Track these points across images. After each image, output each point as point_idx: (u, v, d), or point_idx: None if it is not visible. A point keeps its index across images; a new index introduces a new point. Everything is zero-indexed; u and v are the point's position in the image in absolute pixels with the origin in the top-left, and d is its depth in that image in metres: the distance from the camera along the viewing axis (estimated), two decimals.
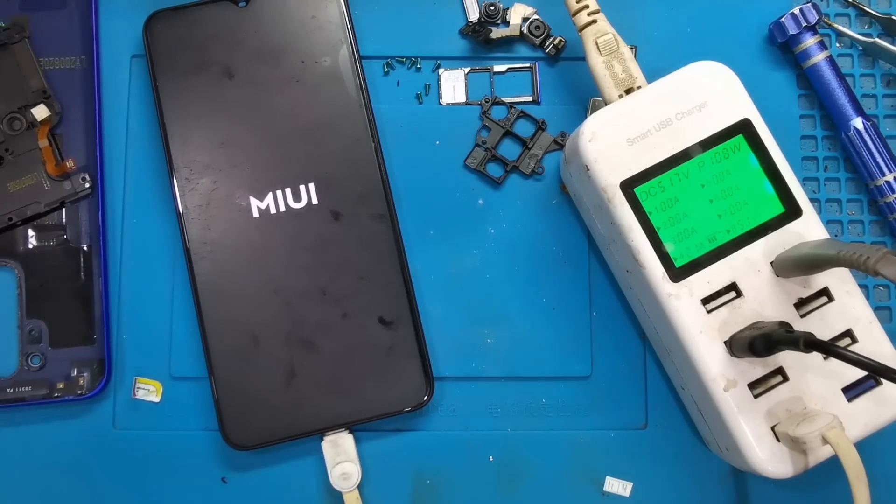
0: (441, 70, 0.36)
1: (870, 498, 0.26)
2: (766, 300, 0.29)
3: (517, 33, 0.35)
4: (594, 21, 0.31)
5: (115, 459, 0.33)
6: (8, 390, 0.33)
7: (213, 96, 0.34)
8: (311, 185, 0.33)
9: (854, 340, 0.29)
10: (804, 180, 0.35)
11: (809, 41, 0.34)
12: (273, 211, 0.33)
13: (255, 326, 0.32)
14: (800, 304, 0.29)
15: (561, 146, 0.35)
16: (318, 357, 0.32)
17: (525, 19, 0.35)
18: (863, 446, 0.27)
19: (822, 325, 0.29)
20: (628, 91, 0.31)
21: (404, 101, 0.35)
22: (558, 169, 0.35)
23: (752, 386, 0.28)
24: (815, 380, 0.28)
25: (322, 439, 0.33)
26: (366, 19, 0.35)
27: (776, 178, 0.29)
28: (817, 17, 0.34)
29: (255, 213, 0.33)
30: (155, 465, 0.33)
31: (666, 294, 0.29)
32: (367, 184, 0.33)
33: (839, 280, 0.29)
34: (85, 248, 0.34)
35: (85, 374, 0.33)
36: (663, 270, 0.29)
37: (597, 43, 0.31)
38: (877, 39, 0.35)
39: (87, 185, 0.34)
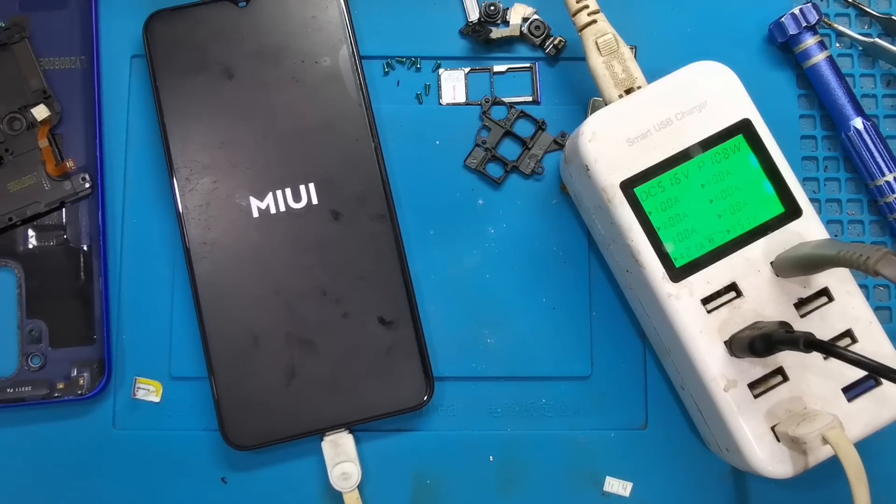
0: (441, 70, 0.36)
1: (870, 498, 0.26)
2: (766, 300, 0.29)
3: (517, 33, 0.35)
4: (594, 21, 0.31)
5: (115, 459, 0.33)
6: (8, 390, 0.33)
7: (213, 96, 0.34)
8: (311, 185, 0.33)
9: (854, 340, 0.29)
10: (804, 180, 0.35)
11: (809, 41, 0.34)
12: (273, 211, 0.33)
13: (255, 326, 0.32)
14: (800, 304, 0.29)
15: (561, 146, 0.35)
16: (318, 357, 0.32)
17: (525, 19, 0.35)
18: (863, 446, 0.27)
19: (822, 325, 0.29)
20: (628, 91, 0.31)
21: (404, 101, 0.35)
22: (558, 169, 0.35)
23: (752, 386, 0.28)
24: (815, 380, 0.28)
25: (322, 439, 0.33)
26: (366, 19, 0.35)
27: (776, 178, 0.29)
28: (817, 17, 0.34)
29: (255, 213, 0.33)
30: (155, 465, 0.33)
31: (666, 294, 0.29)
32: (367, 184, 0.33)
33: (839, 280, 0.29)
34: (85, 248, 0.34)
35: (85, 374, 0.33)
36: (663, 270, 0.29)
37: (597, 43, 0.31)
38: (877, 39, 0.35)
39: (87, 185, 0.34)
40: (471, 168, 0.35)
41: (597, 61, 0.31)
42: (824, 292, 0.29)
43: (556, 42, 0.35)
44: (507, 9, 0.35)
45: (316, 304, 0.33)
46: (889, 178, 0.34)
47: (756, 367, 0.28)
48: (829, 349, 0.25)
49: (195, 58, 0.34)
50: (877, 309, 0.34)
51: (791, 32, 0.34)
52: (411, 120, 0.35)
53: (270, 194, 0.33)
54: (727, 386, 0.28)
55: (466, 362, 0.34)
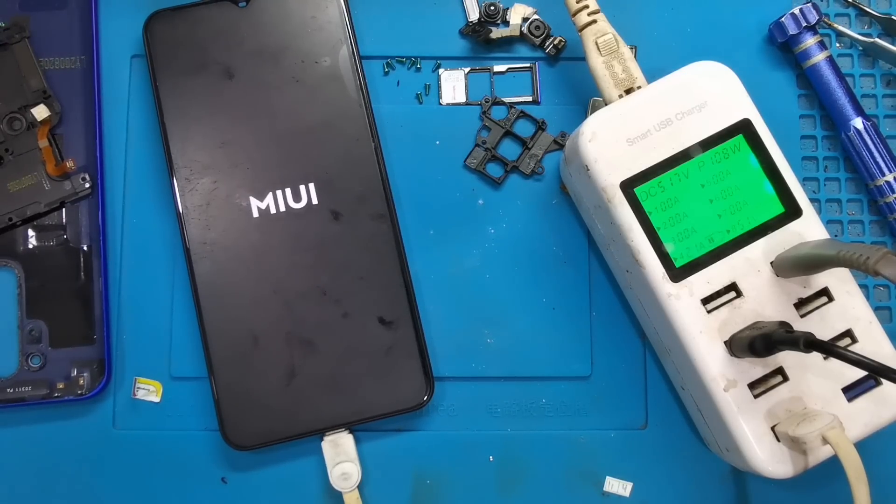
0: (441, 70, 0.36)
1: (870, 498, 0.26)
2: (766, 300, 0.29)
3: (517, 33, 0.35)
4: (594, 21, 0.31)
5: (115, 459, 0.33)
6: (8, 390, 0.33)
7: (213, 96, 0.34)
8: (311, 185, 0.33)
9: (854, 340, 0.29)
10: (804, 180, 0.35)
11: (809, 41, 0.34)
12: (273, 211, 0.33)
13: (255, 326, 0.32)
14: (800, 304, 0.29)
15: (561, 146, 0.35)
16: (318, 357, 0.32)
17: (525, 19, 0.35)
18: (863, 446, 0.27)
19: (822, 325, 0.29)
20: (628, 91, 0.31)
21: (404, 101, 0.35)
22: (558, 169, 0.35)
23: (752, 386, 0.28)
24: (815, 380, 0.28)
25: (322, 439, 0.33)
26: (366, 19, 0.35)
27: (776, 178, 0.29)
28: (817, 17, 0.34)
29: (255, 213, 0.33)
30: (155, 465, 0.33)
31: (666, 294, 0.29)
32: (367, 184, 0.33)
33: (839, 280, 0.29)
34: (85, 248, 0.34)
35: (85, 374, 0.33)
36: (663, 270, 0.29)
37: (597, 43, 0.31)
38: (877, 39, 0.35)
39: (87, 185, 0.34)
40: (471, 168, 0.35)
41: (597, 61, 0.31)
42: (824, 292, 0.29)
43: (556, 42, 0.35)
44: (507, 9, 0.35)
45: (316, 304, 0.33)
46: (889, 178, 0.34)
47: (756, 367, 0.28)
48: (829, 349, 0.25)
49: (195, 58, 0.34)
50: (877, 309, 0.34)
51: (791, 32, 0.34)
52: (411, 120, 0.35)
53: (270, 194, 0.33)
54: (727, 386, 0.28)
55: (466, 362, 0.34)
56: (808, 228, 0.29)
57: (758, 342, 0.27)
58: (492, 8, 0.35)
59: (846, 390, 0.28)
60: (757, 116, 0.30)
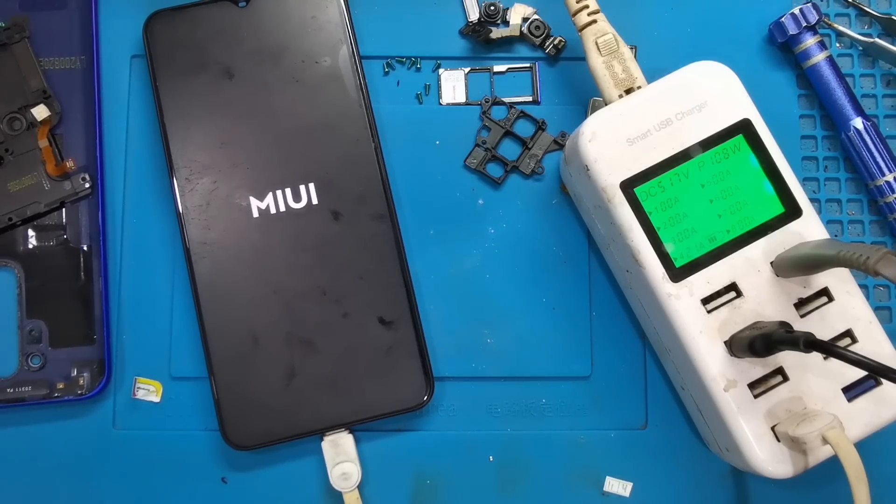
0: (441, 70, 0.36)
1: (870, 498, 0.26)
2: (766, 300, 0.29)
3: (517, 33, 0.35)
4: (594, 21, 0.31)
5: (115, 459, 0.33)
6: (8, 390, 0.33)
7: (213, 96, 0.34)
8: (311, 185, 0.33)
9: (854, 340, 0.29)
10: (804, 180, 0.35)
11: (809, 41, 0.34)
12: (273, 211, 0.33)
13: (255, 326, 0.32)
14: (800, 304, 0.29)
15: (561, 146, 0.35)
16: (318, 357, 0.32)
17: (525, 19, 0.35)
18: (863, 446, 0.27)
19: (822, 325, 0.29)
20: (628, 91, 0.31)
21: (404, 101, 0.35)
22: (558, 169, 0.35)
23: (752, 386, 0.28)
24: (815, 380, 0.28)
25: (322, 439, 0.33)
26: (366, 19, 0.35)
27: (776, 178, 0.29)
28: (817, 17, 0.34)
29: (255, 213, 0.33)
30: (155, 465, 0.33)
31: (666, 294, 0.29)
32: (367, 184, 0.33)
33: (839, 280, 0.29)
34: (85, 248, 0.34)
35: (85, 374, 0.33)
36: (663, 270, 0.29)
37: (597, 43, 0.31)
38: (877, 39, 0.35)
39: (87, 185, 0.34)
40: (471, 168, 0.35)
41: (597, 61, 0.31)
42: (824, 292, 0.29)
43: (556, 42, 0.35)
44: (507, 9, 0.35)
45: (316, 304, 0.33)
46: (889, 178, 0.34)
47: (756, 367, 0.28)
48: (829, 349, 0.25)
49: (195, 58, 0.34)
50: (877, 309, 0.34)
51: (791, 32, 0.34)
52: (411, 120, 0.35)
53: (270, 194, 0.33)
54: (727, 386, 0.28)
55: (466, 362, 0.34)
56: (808, 228, 0.29)
57: (758, 342, 0.27)
58: (492, 8, 0.35)
59: (846, 390, 0.28)
60: (757, 116, 0.30)
